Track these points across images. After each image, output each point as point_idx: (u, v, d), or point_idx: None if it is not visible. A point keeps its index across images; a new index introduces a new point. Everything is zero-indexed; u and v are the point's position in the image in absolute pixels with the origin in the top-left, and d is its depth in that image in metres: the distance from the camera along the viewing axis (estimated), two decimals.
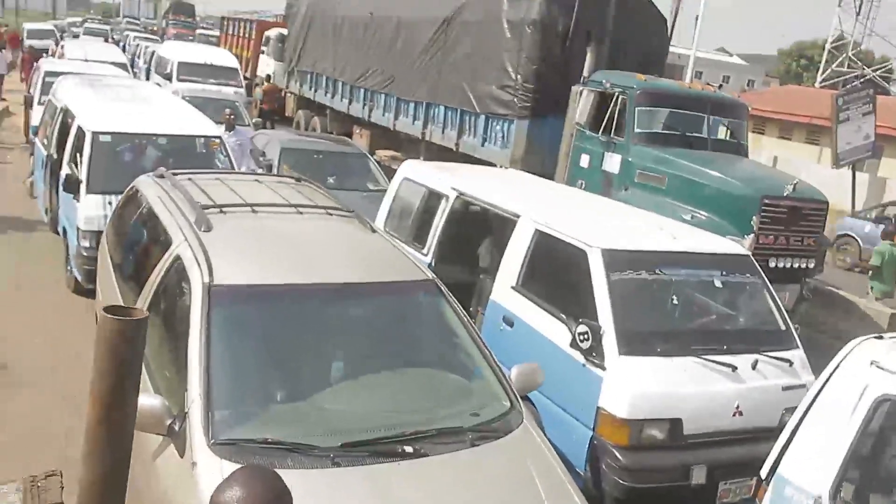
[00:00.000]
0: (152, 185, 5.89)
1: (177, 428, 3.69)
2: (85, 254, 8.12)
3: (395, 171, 14.72)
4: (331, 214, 5.39)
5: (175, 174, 5.96)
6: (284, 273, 4.42)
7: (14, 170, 14.78)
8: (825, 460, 3.78)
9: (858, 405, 3.74)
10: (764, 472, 4.09)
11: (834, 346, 5.28)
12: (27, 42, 31.02)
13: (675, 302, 5.95)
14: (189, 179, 5.89)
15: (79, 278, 8.43)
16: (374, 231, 5.31)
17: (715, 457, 5.21)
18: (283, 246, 4.78)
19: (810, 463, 3.86)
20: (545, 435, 4.48)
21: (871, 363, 3.79)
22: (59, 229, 9.49)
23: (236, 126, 11.64)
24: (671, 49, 17.11)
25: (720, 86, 12.55)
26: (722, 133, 11.70)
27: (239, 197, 5.38)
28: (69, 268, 8.87)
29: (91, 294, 7.60)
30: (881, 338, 3.97)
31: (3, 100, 22.66)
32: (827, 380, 3.98)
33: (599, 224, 6.27)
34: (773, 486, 4.01)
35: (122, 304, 3.63)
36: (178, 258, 4.54)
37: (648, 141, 10.59)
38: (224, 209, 5.04)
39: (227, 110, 11.84)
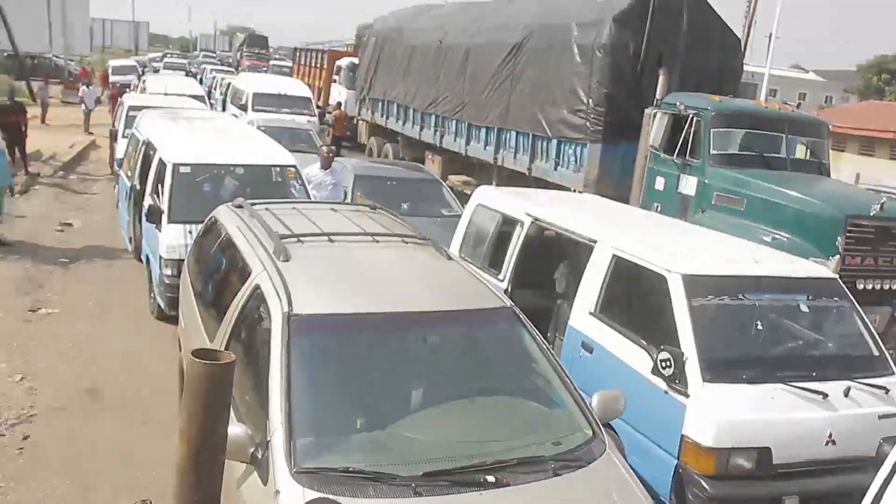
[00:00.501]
0: (231, 215, 6.02)
1: (259, 456, 3.73)
2: (167, 281, 8.35)
3: (468, 196, 14.89)
4: (406, 242, 5.42)
5: (253, 204, 6.06)
6: (362, 302, 4.44)
7: (100, 200, 15.33)
8: None
9: None
10: None
11: None
12: (112, 78, 32.24)
13: (760, 327, 5.77)
14: (266, 209, 5.99)
15: (161, 305, 8.67)
16: (449, 258, 5.31)
17: (808, 487, 5.03)
18: (361, 274, 4.82)
19: None
20: (628, 464, 4.39)
21: None
22: (143, 257, 9.78)
23: (333, 165, 10.74)
24: (744, 67, 16.85)
25: (798, 104, 12.26)
26: (801, 152, 11.41)
27: (315, 226, 5.45)
28: (152, 295, 9.12)
29: (173, 320, 7.79)
30: None
31: (91, 133, 23.58)
32: None
33: (678, 248, 6.14)
34: None
35: (209, 347, 3.69)
36: (257, 288, 4.61)
37: (725, 162, 10.39)
38: (301, 238, 5.11)
39: (324, 147, 11.02)
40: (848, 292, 6.08)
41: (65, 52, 33.09)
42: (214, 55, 74.03)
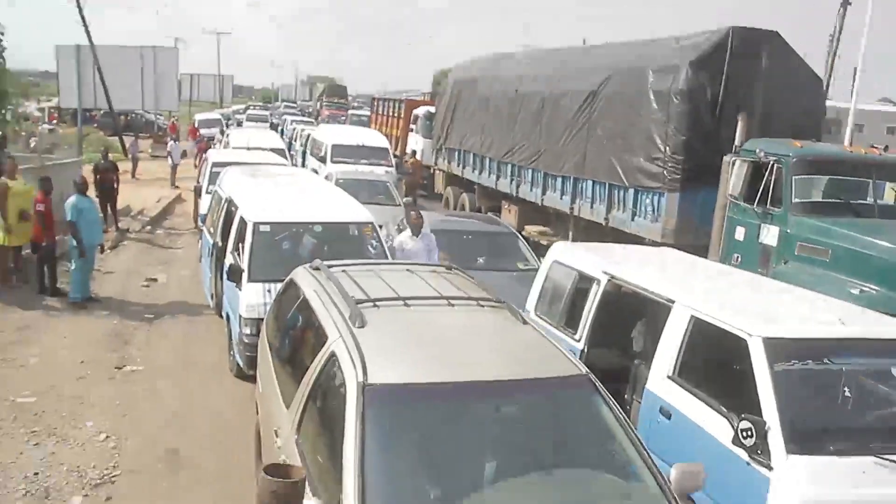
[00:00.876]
0: (308, 278, 6.10)
1: None
2: (246, 340, 8.48)
3: (545, 246, 14.86)
4: (482, 305, 5.40)
5: (330, 266, 6.14)
6: (437, 370, 4.43)
7: (184, 255, 15.78)
8: None
9: None
10: None
11: None
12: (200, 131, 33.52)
13: (848, 394, 5.53)
14: (343, 271, 6.06)
15: (240, 364, 8.81)
16: (525, 322, 5.26)
17: None
18: (436, 341, 4.82)
19: None
20: None
21: None
22: (223, 314, 9.98)
23: (423, 230, 9.98)
24: (828, 103, 16.47)
25: (885, 147, 11.88)
26: (890, 198, 11.02)
27: (391, 289, 5.48)
28: (232, 353, 9.29)
29: (252, 379, 7.92)
30: None
31: (177, 187, 24.40)
32: None
33: (759, 309, 5.95)
34: None
35: (282, 463, 3.74)
36: (333, 355, 4.65)
37: (808, 211, 10.08)
38: (377, 303, 5.14)
39: (413, 212, 10.36)
40: None
41: (154, 108, 34.38)
42: (295, 105, 76.14)
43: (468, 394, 4.44)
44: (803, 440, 4.87)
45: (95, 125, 43.02)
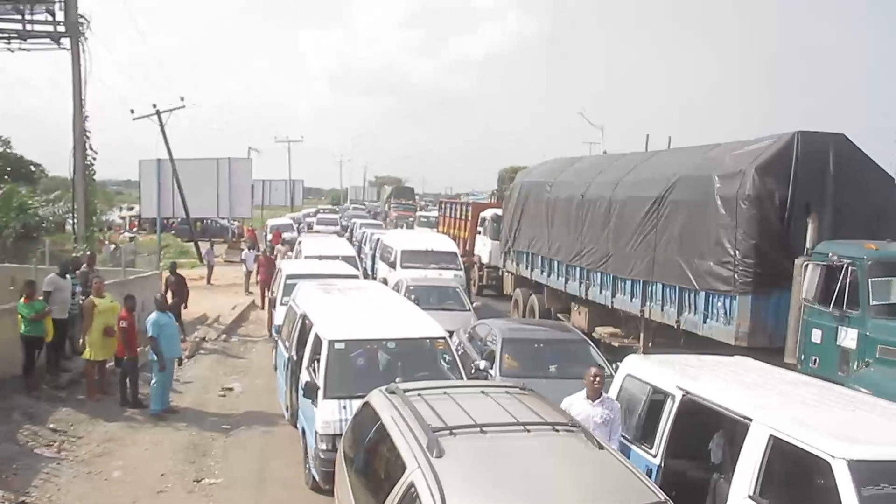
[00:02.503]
0: (385, 401, 6.22)
1: None
2: (322, 456, 8.59)
3: (616, 348, 14.76)
4: (557, 430, 5.45)
5: (406, 390, 6.25)
6: (515, 502, 4.48)
7: (259, 364, 16.08)
8: None
9: None
10: None
11: None
12: (270, 236, 34.49)
13: None
14: (419, 395, 6.17)
15: (316, 478, 8.91)
16: (601, 447, 5.29)
17: None
18: (513, 470, 4.87)
19: None
20: None
21: None
22: (299, 427, 10.12)
23: (602, 392, 7.67)
24: None
25: None
26: None
27: (467, 415, 5.57)
28: (307, 466, 9.39)
29: (328, 493, 8.00)
30: None
31: (251, 293, 24.97)
32: None
33: (843, 427, 5.84)
34: None
35: None
36: (411, 486, 4.73)
37: (888, 313, 9.90)
38: (454, 431, 5.23)
39: (593, 369, 7.88)
40: None
41: (229, 215, 35.67)
42: (363, 206, 77.77)
43: None
44: None
45: (173, 232, 44.68)
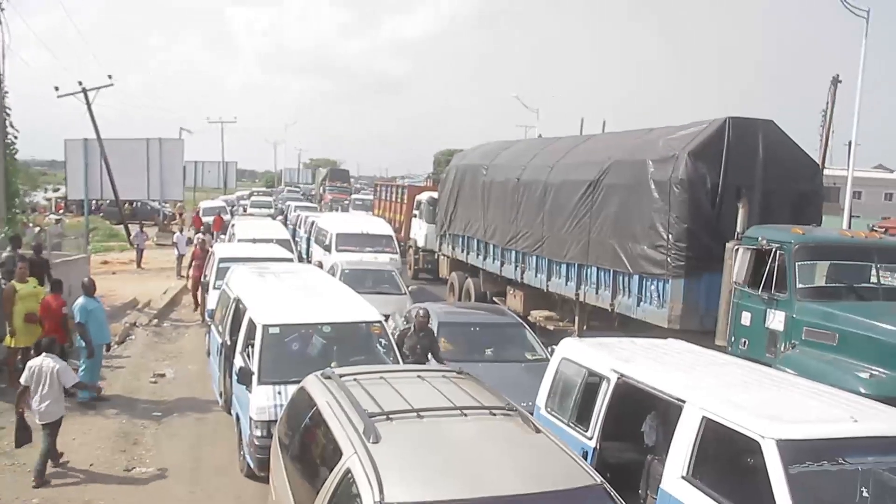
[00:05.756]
0: (320, 386, 6.14)
1: None
2: (257, 443, 8.47)
3: (552, 331, 14.90)
4: (494, 414, 5.45)
5: (341, 375, 6.19)
6: (453, 487, 4.46)
7: (192, 349, 15.79)
8: None
9: None
10: None
11: None
12: (204, 219, 33.74)
13: (865, 494, 5.52)
14: (355, 380, 6.11)
15: (251, 465, 8.77)
16: (538, 431, 5.30)
17: None
18: (450, 455, 4.86)
19: None
20: None
21: None
22: (233, 413, 9.96)
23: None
24: (826, 171, 16.74)
25: (885, 230, 12.00)
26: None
27: (404, 400, 5.53)
28: (242, 453, 9.25)
29: (263, 479, 7.89)
30: None
31: (183, 277, 24.45)
32: None
33: (771, 408, 5.97)
34: None
35: None
36: (348, 472, 4.69)
37: (813, 295, 10.18)
38: (391, 416, 5.19)
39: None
40: None
41: (160, 197, 34.89)
42: (298, 189, 76.89)
43: None
44: None
45: (101, 215, 43.56)
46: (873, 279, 10.65)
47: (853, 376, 8.86)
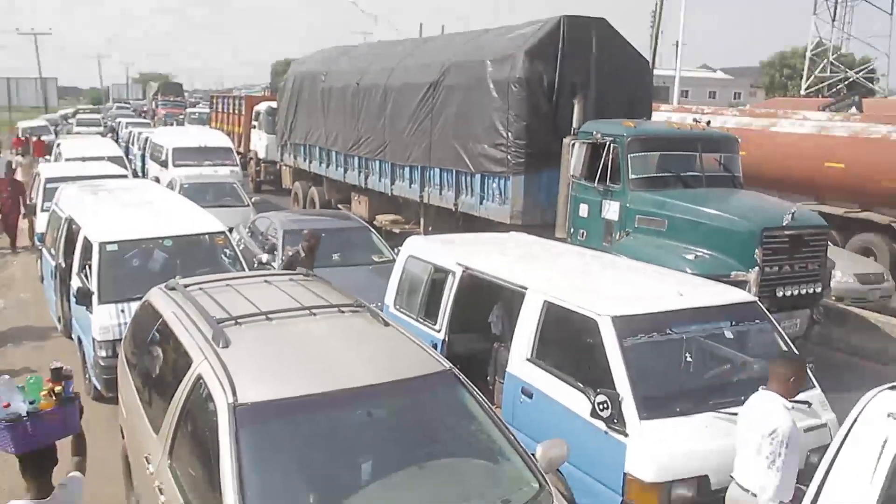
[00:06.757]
0: (165, 299, 5.98)
1: None
2: (103, 363, 8.25)
3: (397, 235, 15.03)
4: (343, 312, 5.50)
5: (186, 285, 6.06)
6: (305, 383, 4.51)
7: (23, 276, 14.94)
8: None
9: (880, 460, 3.79)
10: None
11: (850, 362, 5.32)
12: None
13: (689, 359, 6.03)
14: (200, 289, 5.99)
15: (98, 387, 8.54)
16: (386, 324, 5.41)
17: None
18: (301, 353, 4.89)
19: None
20: None
21: (889, 415, 3.84)
22: (74, 337, 9.60)
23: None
24: (656, 72, 17.44)
25: (708, 122, 12.67)
26: (716, 168, 11.75)
27: (252, 304, 5.48)
28: (87, 376, 8.97)
29: (112, 401, 7.70)
30: (895, 388, 4.02)
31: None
32: (846, 434, 4.02)
33: (606, 289, 6.37)
34: None
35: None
36: (199, 378, 4.64)
37: (645, 185, 10.72)
38: (239, 321, 5.15)
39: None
40: (767, 313, 6.39)
41: None
42: (128, 105, 72.83)
43: (338, 402, 4.55)
44: (653, 406, 5.32)
45: None
46: (698, 168, 11.28)
47: (681, 258, 9.47)
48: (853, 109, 22.04)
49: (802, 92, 48.39)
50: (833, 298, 11.94)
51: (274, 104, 24.88)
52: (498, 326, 7.90)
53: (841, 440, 4.05)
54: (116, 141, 29.71)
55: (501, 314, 7.84)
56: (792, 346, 6.25)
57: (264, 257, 10.90)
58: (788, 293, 9.64)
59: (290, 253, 9.54)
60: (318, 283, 6.31)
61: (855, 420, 4.01)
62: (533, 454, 4.61)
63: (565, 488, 5.51)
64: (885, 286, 13.25)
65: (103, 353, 8.21)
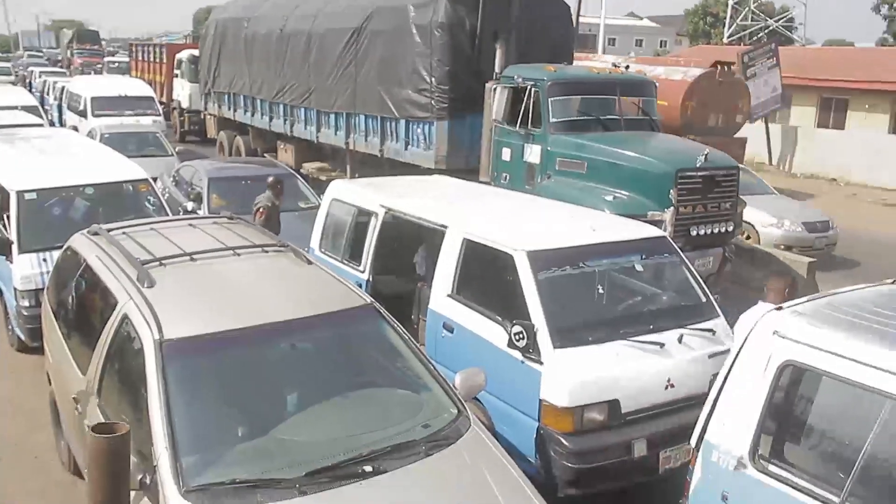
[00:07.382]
0: (88, 244, 6.01)
1: (148, 481, 3.91)
2: (26, 313, 8.20)
3: (324, 182, 15.05)
4: (266, 252, 5.64)
5: (109, 230, 6.09)
6: (230, 318, 4.65)
7: None
8: (743, 424, 4.20)
9: (766, 372, 4.16)
10: (693, 441, 4.50)
11: (756, 297, 5.63)
12: None
13: (602, 291, 6.33)
14: (124, 233, 6.04)
15: (22, 337, 8.49)
16: (309, 263, 5.57)
17: (653, 429, 5.60)
18: (226, 291, 5.02)
19: (731, 428, 4.28)
20: (494, 434, 4.78)
21: (774, 333, 4.20)
22: None
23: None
24: (582, 20, 17.59)
25: (626, 66, 12.95)
26: (633, 111, 12.03)
27: (176, 246, 5.57)
28: (10, 327, 8.90)
29: (37, 351, 7.70)
30: (780, 308, 4.37)
31: None
32: (738, 352, 4.38)
33: (523, 226, 6.61)
34: (701, 452, 4.43)
35: (105, 421, 3.88)
36: (125, 318, 4.74)
37: (565, 129, 10.93)
38: (163, 262, 5.24)
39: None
40: (676, 247, 6.74)
41: None
42: (41, 54, 70.06)
43: (263, 336, 4.71)
44: (566, 336, 5.59)
45: None
46: (616, 112, 11.56)
47: (600, 199, 9.75)
48: (772, 58, 22.78)
49: (725, 40, 49.27)
50: (782, 247, 12.55)
51: (196, 52, 24.34)
52: (422, 267, 8.09)
53: (733, 357, 4.40)
54: (30, 91, 28.77)
55: (425, 255, 8.03)
56: (699, 277, 6.61)
57: (190, 205, 10.86)
58: (702, 232, 10.01)
59: (263, 207, 9.28)
60: (241, 226, 6.41)
61: (745, 339, 4.36)
62: (452, 383, 4.85)
63: (485, 416, 5.77)
64: (831, 234, 13.89)
65: (26, 303, 8.16)
